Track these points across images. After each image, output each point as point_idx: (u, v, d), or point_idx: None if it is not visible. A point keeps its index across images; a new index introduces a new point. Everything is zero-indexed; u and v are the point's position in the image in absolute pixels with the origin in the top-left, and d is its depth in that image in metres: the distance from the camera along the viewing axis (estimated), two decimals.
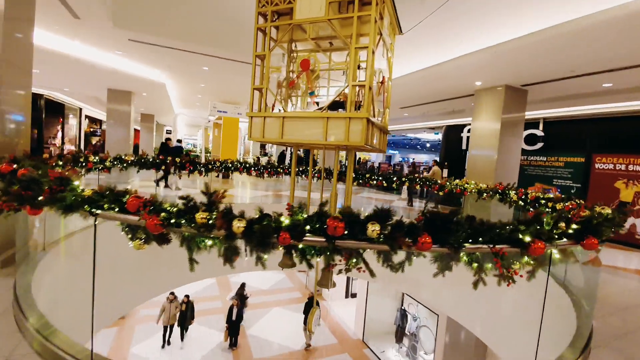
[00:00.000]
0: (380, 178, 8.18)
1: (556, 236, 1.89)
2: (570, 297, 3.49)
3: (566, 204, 4.16)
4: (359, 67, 4.74)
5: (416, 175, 8.26)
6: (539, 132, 9.56)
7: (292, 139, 3.86)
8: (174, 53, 8.49)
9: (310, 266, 1.65)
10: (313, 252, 1.59)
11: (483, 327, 5.44)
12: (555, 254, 1.96)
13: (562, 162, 9.22)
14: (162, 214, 1.55)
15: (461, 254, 1.69)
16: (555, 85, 6.39)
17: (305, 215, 1.57)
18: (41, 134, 14.12)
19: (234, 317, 10.18)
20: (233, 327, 10.25)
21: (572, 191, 8.98)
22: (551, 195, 4.66)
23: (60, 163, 4.07)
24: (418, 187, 7.59)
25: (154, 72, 10.34)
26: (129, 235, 1.80)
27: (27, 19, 3.79)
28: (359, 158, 21.40)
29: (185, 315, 10.18)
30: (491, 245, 1.61)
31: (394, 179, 8.11)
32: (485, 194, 6.26)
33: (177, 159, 7.33)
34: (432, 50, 6.85)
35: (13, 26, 3.49)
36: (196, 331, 10.89)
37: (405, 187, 8.15)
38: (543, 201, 4.79)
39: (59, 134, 17.71)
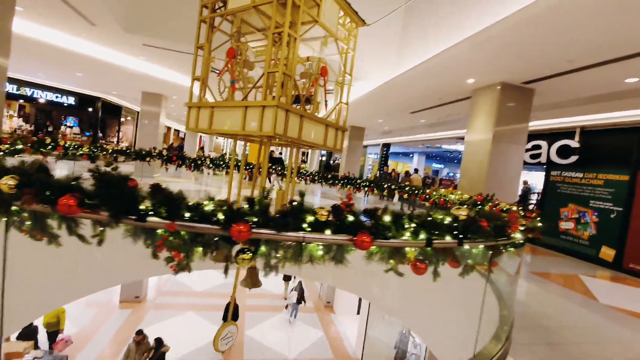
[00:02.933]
0: (372, 185, 7.81)
1: (307, 226, 1.49)
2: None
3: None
4: (307, 59, 4.54)
5: (397, 183, 7.66)
6: (574, 143, 8.09)
7: (218, 128, 3.80)
8: (186, 57, 9.06)
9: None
10: None
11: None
12: (319, 251, 1.53)
13: (601, 179, 7.64)
14: None
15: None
16: (568, 82, 5.33)
17: None
18: (96, 131, 16.16)
19: (229, 314, 10.26)
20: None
21: (612, 215, 7.36)
22: (514, 208, 3.86)
23: (20, 143, 4.45)
24: (405, 195, 6.94)
25: (179, 76, 11.19)
26: None
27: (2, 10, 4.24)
28: (393, 169, 20.44)
29: None
30: (163, 221, 1.31)
31: (385, 186, 7.69)
32: (465, 206, 5.49)
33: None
34: (416, 47, 6.32)
35: None
36: (195, 323, 11.25)
37: (397, 195, 7.55)
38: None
39: (119, 134, 20.14)
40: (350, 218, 1.52)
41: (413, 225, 1.63)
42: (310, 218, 1.46)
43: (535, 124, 8.87)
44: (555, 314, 4.24)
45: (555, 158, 8.38)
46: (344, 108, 4.31)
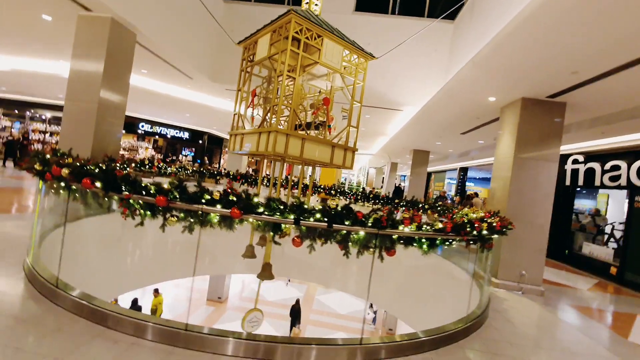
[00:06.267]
0: (408, 205, 8.09)
1: (205, 201, 2.39)
2: None
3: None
4: (319, 92, 5.66)
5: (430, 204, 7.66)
6: None
7: (246, 150, 5.04)
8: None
9: None
10: None
11: None
12: (216, 219, 2.38)
13: None
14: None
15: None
16: (598, 90, 4.88)
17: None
18: (202, 159, 20.03)
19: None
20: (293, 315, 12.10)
21: None
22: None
23: (126, 165, 6.44)
24: (436, 215, 7.01)
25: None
26: None
27: (123, 72, 6.29)
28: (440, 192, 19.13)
29: None
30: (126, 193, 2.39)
31: (426, 207, 7.89)
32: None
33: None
34: (444, 71, 6.68)
35: (112, 76, 6.01)
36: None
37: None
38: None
39: (220, 160, 24.27)
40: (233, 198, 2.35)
41: (281, 206, 2.34)
42: (207, 197, 2.34)
43: (609, 142, 7.71)
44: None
45: (636, 180, 7.09)
46: (355, 132, 5.03)
